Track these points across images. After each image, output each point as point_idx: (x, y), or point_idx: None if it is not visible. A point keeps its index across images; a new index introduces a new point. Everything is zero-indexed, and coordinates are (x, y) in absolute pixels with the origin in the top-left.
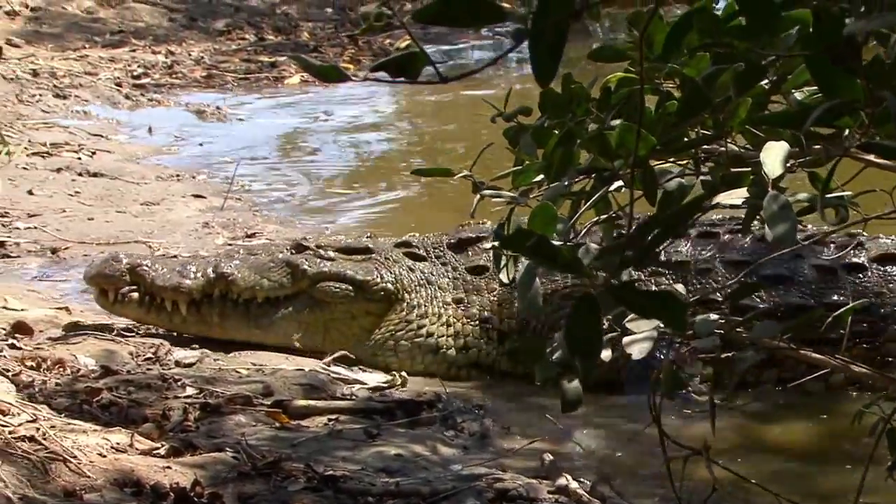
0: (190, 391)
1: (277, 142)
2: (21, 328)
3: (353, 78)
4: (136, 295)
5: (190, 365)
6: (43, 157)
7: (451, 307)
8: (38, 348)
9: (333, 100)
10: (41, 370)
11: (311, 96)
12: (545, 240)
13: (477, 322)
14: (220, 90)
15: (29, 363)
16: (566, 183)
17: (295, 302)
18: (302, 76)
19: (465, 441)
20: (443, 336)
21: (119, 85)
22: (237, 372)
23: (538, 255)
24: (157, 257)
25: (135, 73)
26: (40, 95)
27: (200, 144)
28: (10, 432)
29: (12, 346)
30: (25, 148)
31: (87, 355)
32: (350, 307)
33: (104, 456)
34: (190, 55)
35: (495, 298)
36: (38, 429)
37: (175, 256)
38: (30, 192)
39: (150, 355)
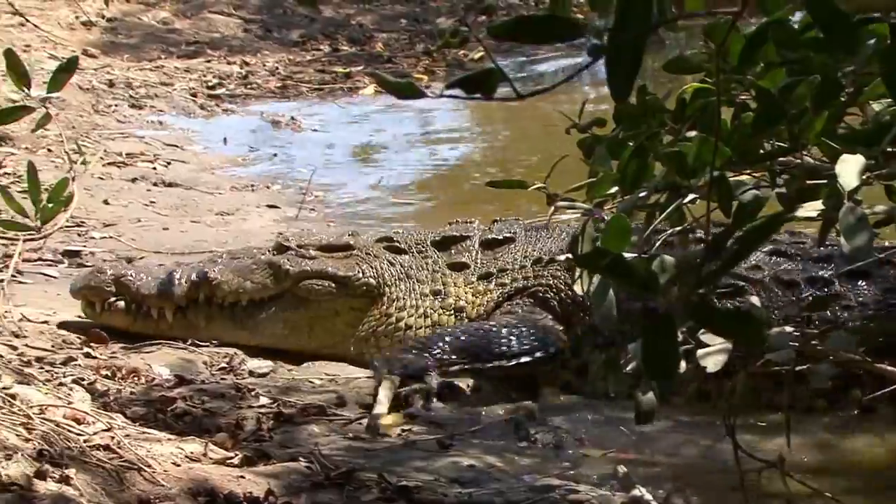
0: (264, 401)
1: (351, 151)
2: (96, 338)
3: (430, 95)
4: (122, 304)
5: (263, 375)
6: (118, 167)
7: (428, 298)
8: (112, 357)
9: (407, 109)
10: (116, 379)
11: (385, 106)
12: (621, 259)
13: (452, 312)
14: (295, 100)
15: (104, 372)
16: (641, 195)
17: (279, 302)
18: (376, 87)
19: (538, 452)
20: (420, 328)
21: (194, 95)
22: (310, 382)
23: (614, 273)
24: (141, 266)
25: (210, 84)
26: (116, 106)
27: (275, 154)
28: (85, 441)
29: (87, 356)
30: (101, 158)
31: (162, 365)
32: (333, 304)
33: (178, 465)
34: (265, 65)
35: (470, 290)
36: (112, 437)
37: (161, 264)
38: (105, 202)
39: (224, 365)
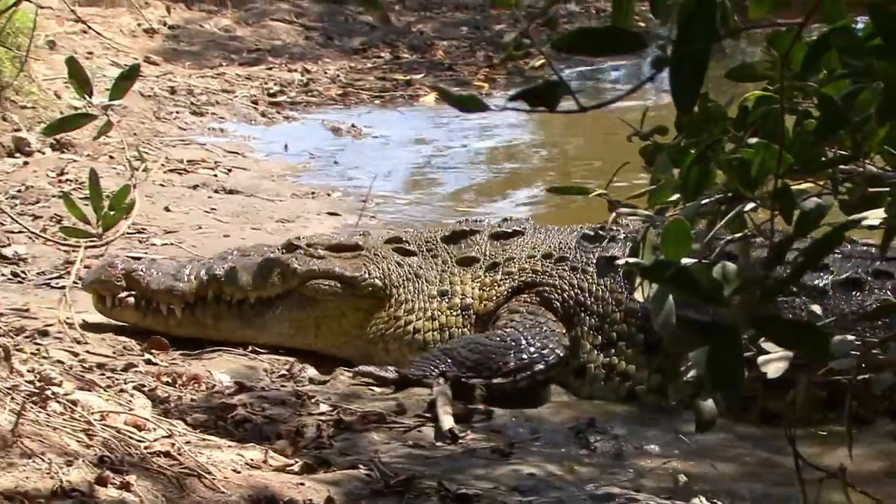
0: (324, 408)
1: (412, 158)
2: (157, 344)
3: (492, 108)
4: (132, 300)
5: (324, 382)
6: (180, 174)
7: (435, 300)
8: (173, 364)
9: (468, 116)
10: (177, 386)
11: (446, 113)
12: (684, 270)
13: (458, 311)
14: (356, 107)
15: (165, 379)
16: (703, 202)
17: (287, 301)
18: (437, 94)
19: (598, 460)
20: (429, 331)
21: (255, 102)
22: (370, 389)
23: (677, 284)
24: (152, 262)
25: (271, 91)
26: (177, 113)
27: (335, 162)
28: (145, 447)
29: (148, 362)
30: (162, 165)
31: (223, 371)
32: (340, 304)
33: (238, 472)
34: (326, 73)
35: (478, 284)
36: (173, 444)
37: (173, 258)
38: (166, 209)
39: (284, 372)
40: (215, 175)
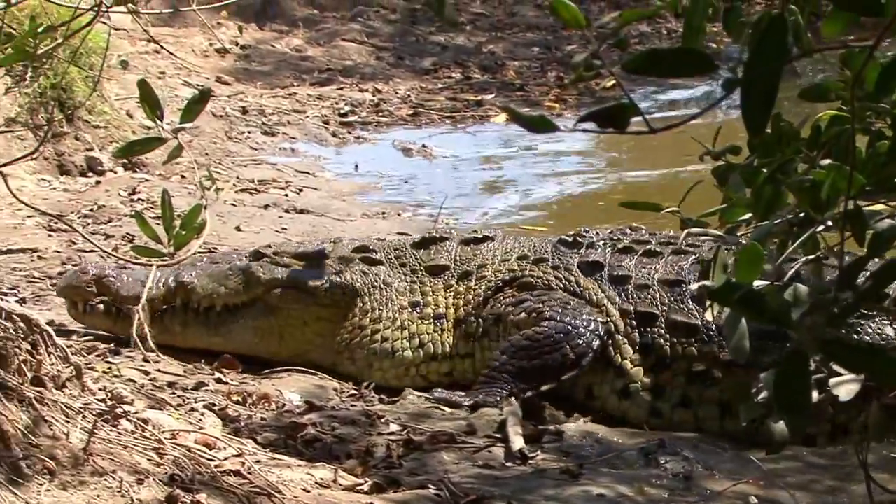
0: (393, 427)
1: (482, 179)
2: (227, 363)
3: (562, 129)
4: (102, 306)
5: (393, 401)
6: (251, 193)
7: (406, 311)
8: (243, 383)
9: (538, 137)
10: (247, 405)
11: (516, 134)
12: (753, 293)
13: (431, 320)
14: (426, 128)
15: (235, 398)
16: (774, 222)
17: (252, 309)
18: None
19: (668, 482)
20: (398, 339)
21: (326, 122)
22: (440, 409)
23: (746, 307)
24: (123, 268)
25: (342, 111)
26: (249, 132)
27: (406, 182)
28: (216, 466)
29: (219, 381)
30: (234, 184)
31: (292, 391)
32: (302, 313)
33: (308, 491)
34: (397, 93)
35: (450, 294)
36: (243, 463)
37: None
38: (237, 229)
39: (353, 391)
40: (286, 195)
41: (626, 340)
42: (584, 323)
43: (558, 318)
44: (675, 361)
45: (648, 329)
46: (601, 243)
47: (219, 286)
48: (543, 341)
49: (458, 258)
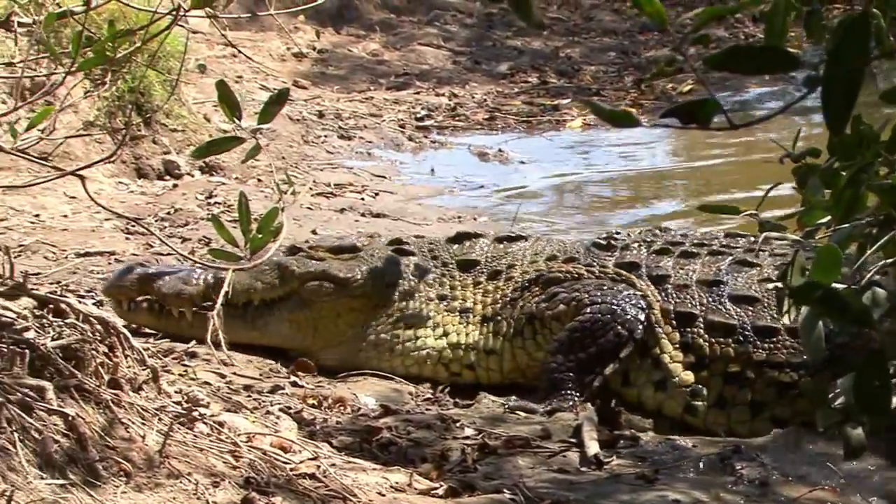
0: (469, 432)
1: (558, 184)
2: (303, 366)
3: (644, 124)
4: (146, 304)
5: (468, 406)
6: (327, 197)
7: (433, 302)
8: (319, 386)
9: (613, 143)
10: (322, 408)
11: (592, 140)
12: (834, 292)
13: (457, 313)
14: (502, 132)
15: (310, 401)
16: (853, 226)
17: (287, 303)
18: (584, 119)
19: (745, 488)
20: (422, 328)
21: (402, 127)
22: (515, 414)
23: (827, 306)
24: (167, 266)
25: (418, 115)
26: (325, 136)
27: (482, 186)
28: (291, 469)
29: (294, 384)
30: (310, 188)
31: (368, 394)
32: (335, 305)
33: (383, 495)
34: (473, 97)
35: (479, 291)
36: (318, 466)
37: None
38: (313, 232)
39: (429, 395)
40: (362, 198)
41: (665, 336)
42: (626, 297)
43: (599, 301)
44: (713, 362)
45: (688, 328)
46: (636, 244)
47: (255, 281)
48: (592, 327)
49: (489, 255)
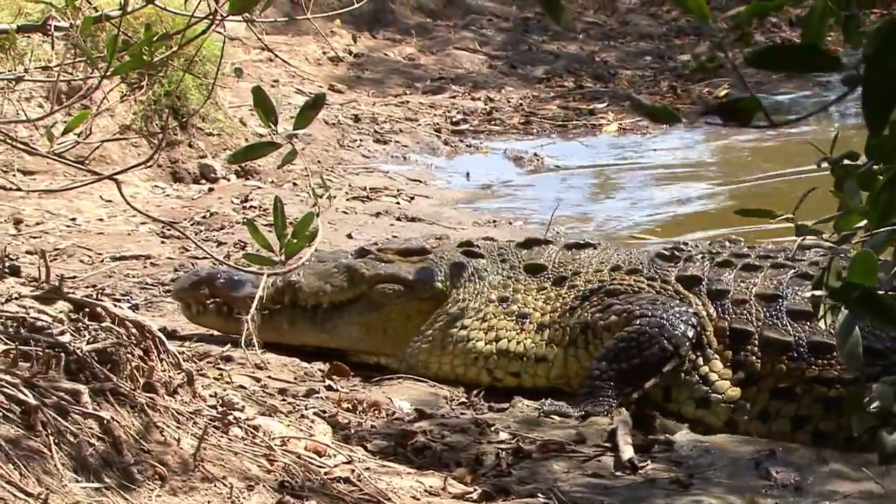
0: (503, 436)
1: (593, 188)
2: (338, 370)
3: (683, 120)
4: (214, 307)
5: (503, 409)
6: (362, 201)
7: (493, 304)
8: (353, 390)
9: (649, 148)
10: (357, 412)
11: (628, 144)
12: (872, 293)
13: (514, 318)
14: (538, 137)
15: (345, 405)
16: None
17: (357, 305)
18: (620, 124)
19: (779, 492)
20: (475, 329)
21: (438, 131)
22: (550, 418)
23: (865, 308)
24: (233, 271)
25: (454, 120)
26: (361, 140)
27: (517, 190)
28: (325, 473)
29: (329, 388)
30: (346, 192)
31: (402, 398)
32: (404, 307)
33: (417, 499)
34: (509, 102)
35: (541, 297)
36: (353, 470)
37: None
38: (349, 236)
39: (463, 399)
40: (398, 203)
41: (717, 356)
42: (677, 314)
43: (650, 314)
44: (762, 378)
45: (741, 346)
46: (699, 256)
47: (325, 284)
48: (639, 339)
49: (556, 261)
